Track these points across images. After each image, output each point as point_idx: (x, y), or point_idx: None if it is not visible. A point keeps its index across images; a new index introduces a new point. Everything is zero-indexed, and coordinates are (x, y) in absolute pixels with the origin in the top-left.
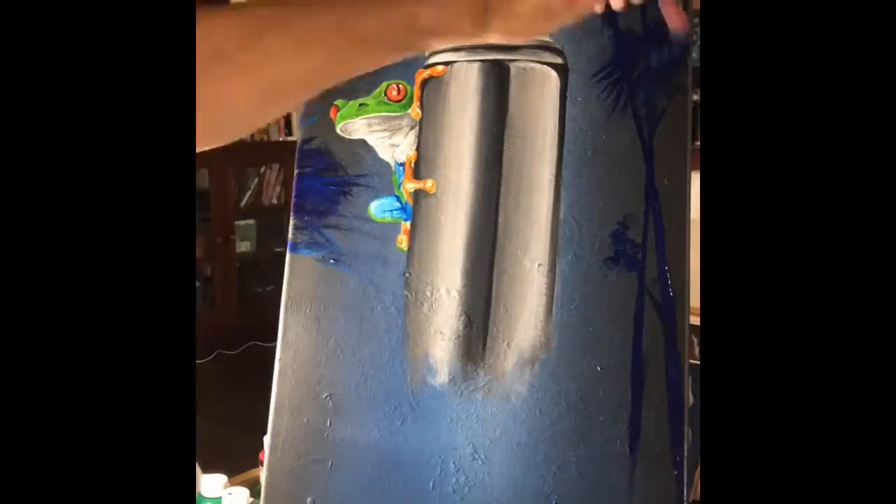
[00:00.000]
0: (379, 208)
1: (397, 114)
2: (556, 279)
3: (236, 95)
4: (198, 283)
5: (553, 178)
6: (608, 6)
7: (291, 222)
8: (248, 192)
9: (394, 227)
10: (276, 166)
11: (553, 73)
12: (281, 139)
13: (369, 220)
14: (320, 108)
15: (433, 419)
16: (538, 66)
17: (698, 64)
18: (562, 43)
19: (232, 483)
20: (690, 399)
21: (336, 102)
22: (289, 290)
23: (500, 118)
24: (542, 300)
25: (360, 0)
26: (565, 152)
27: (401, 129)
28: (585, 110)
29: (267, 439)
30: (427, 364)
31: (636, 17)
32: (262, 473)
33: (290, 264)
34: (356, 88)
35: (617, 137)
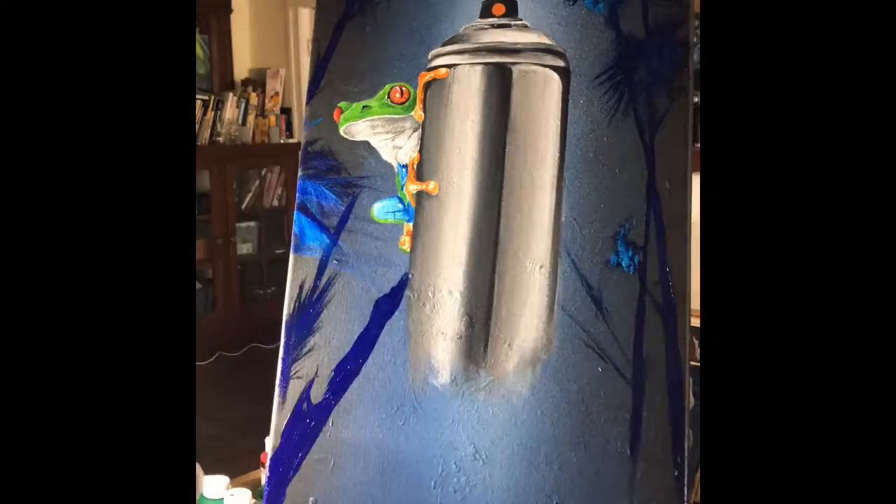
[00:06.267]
0: (382, 210)
1: (400, 116)
2: (558, 280)
3: None
4: (199, 285)
5: (555, 180)
6: None
7: (294, 223)
8: (250, 194)
9: (396, 229)
10: (277, 168)
11: (555, 76)
12: (282, 141)
13: (372, 221)
14: (324, 110)
15: (435, 419)
16: (540, 68)
17: (698, 66)
18: (564, 46)
19: (234, 484)
20: (691, 401)
21: (339, 105)
22: (291, 291)
23: (502, 120)
24: (544, 301)
25: None
26: (567, 154)
27: (404, 131)
28: (587, 112)
29: (269, 440)
30: (429, 364)
31: (638, 21)
32: (264, 474)
33: (293, 265)
34: (359, 91)
35: (618, 139)
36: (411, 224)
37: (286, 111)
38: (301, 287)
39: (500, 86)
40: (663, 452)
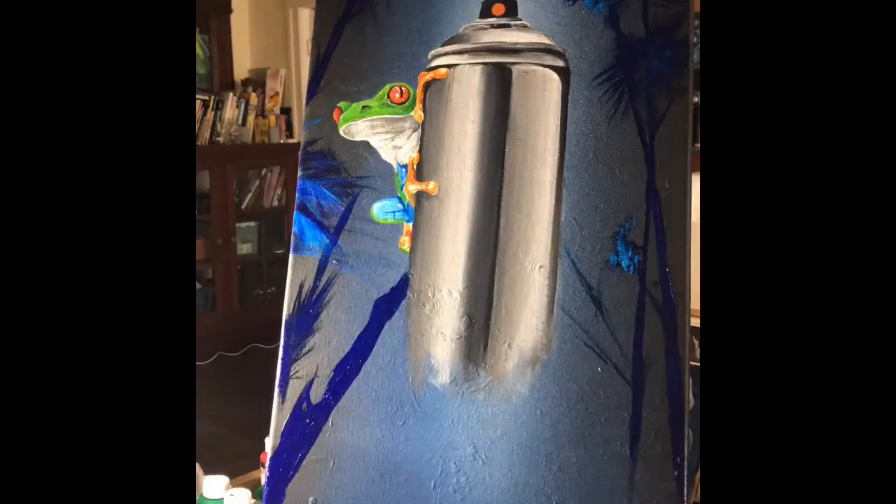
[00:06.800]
0: (381, 210)
1: (400, 116)
2: (557, 280)
3: None
4: (198, 286)
5: (554, 180)
6: None
7: (294, 223)
8: (249, 194)
9: (396, 229)
10: (277, 168)
11: (555, 76)
12: (282, 141)
13: (372, 221)
14: (324, 110)
15: (434, 419)
16: (540, 68)
17: (698, 66)
18: (564, 46)
19: (234, 484)
20: (691, 400)
21: (339, 105)
22: (291, 291)
23: (501, 120)
24: (544, 301)
25: None
26: (567, 154)
27: (403, 131)
28: (587, 113)
29: (268, 440)
30: (429, 364)
31: (638, 21)
32: (264, 474)
33: (293, 265)
34: (359, 91)
35: (618, 140)
36: (411, 224)
37: (286, 111)
38: (301, 287)
39: (499, 86)
40: (663, 452)
